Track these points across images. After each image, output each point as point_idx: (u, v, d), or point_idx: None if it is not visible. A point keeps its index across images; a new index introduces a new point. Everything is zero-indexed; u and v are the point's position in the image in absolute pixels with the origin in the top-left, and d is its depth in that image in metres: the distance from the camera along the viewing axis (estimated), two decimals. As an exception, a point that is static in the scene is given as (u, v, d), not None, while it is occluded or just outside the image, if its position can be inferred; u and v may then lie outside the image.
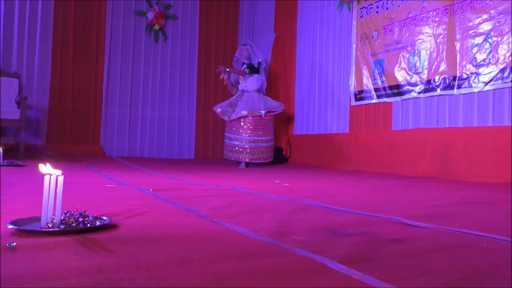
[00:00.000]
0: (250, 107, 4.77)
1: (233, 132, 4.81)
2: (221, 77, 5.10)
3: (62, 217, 1.21)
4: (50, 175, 1.22)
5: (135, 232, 1.19)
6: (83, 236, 1.13)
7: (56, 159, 4.67)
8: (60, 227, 1.17)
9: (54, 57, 5.58)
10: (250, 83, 4.97)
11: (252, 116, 4.74)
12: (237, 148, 4.76)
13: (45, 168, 1.23)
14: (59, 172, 1.22)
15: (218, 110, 4.90)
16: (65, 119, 5.63)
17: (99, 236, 1.13)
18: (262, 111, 4.73)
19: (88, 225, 1.21)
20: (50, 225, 1.18)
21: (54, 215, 1.20)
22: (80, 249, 1.01)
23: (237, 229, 1.25)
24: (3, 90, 5.03)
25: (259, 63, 5.06)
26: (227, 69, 5.07)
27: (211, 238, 1.15)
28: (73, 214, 1.24)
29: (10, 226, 1.14)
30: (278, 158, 5.40)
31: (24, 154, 4.69)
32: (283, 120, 5.76)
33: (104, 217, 1.30)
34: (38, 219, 1.24)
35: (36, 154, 5.01)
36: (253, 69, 5.02)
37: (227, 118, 4.83)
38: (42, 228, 1.17)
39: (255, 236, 1.16)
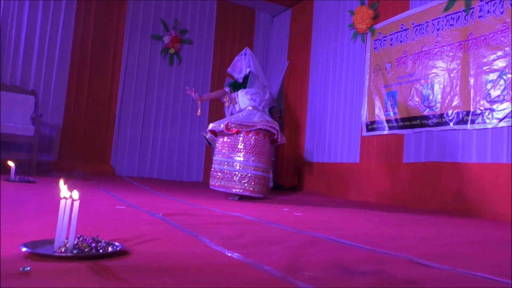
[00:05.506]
0: (243, 119, 3.68)
1: (223, 153, 3.71)
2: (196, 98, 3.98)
3: (75, 242, 1.22)
4: (66, 199, 1.23)
5: (147, 261, 1.19)
6: (95, 262, 1.13)
7: (66, 176, 4.70)
8: (73, 252, 1.17)
9: (71, 77, 5.69)
10: (242, 101, 3.89)
11: (246, 132, 3.64)
12: (227, 174, 3.65)
13: (64, 188, 1.23)
14: (76, 196, 1.23)
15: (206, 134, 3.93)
16: (77, 138, 5.70)
17: (111, 264, 1.13)
18: (258, 125, 3.63)
19: (101, 251, 1.21)
20: (63, 250, 1.18)
21: (67, 238, 1.21)
22: (92, 277, 1.01)
23: (249, 262, 1.24)
24: (19, 107, 5.13)
25: (246, 76, 3.93)
26: (200, 96, 4.00)
27: (223, 270, 1.14)
28: (86, 239, 1.24)
29: (24, 249, 1.15)
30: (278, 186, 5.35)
31: (36, 170, 4.74)
32: (292, 148, 5.76)
33: (116, 243, 1.30)
34: (51, 241, 1.24)
35: (47, 171, 5.05)
36: (237, 85, 3.97)
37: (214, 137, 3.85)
38: (55, 252, 1.18)
39: (267, 271, 1.15)
